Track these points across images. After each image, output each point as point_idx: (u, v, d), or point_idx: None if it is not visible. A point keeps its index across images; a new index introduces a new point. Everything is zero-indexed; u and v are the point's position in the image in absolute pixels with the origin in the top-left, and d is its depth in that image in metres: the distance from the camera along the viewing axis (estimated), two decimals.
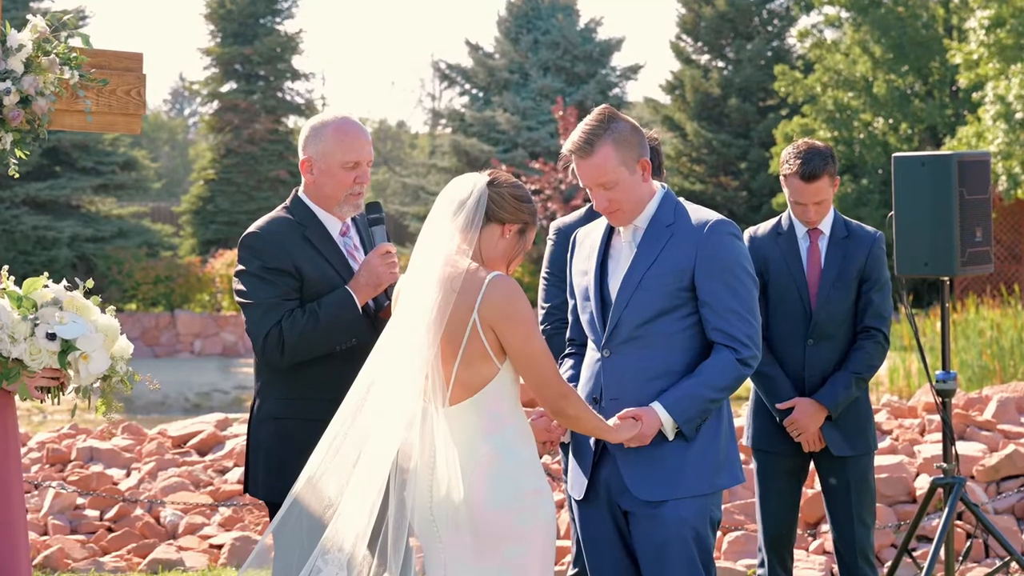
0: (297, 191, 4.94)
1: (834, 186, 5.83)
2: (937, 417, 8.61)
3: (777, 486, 5.97)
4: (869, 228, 5.95)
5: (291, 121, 33.30)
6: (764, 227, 6.02)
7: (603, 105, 4.57)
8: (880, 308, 5.86)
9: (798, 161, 5.74)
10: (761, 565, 6.05)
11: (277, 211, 4.91)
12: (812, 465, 6.06)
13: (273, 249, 4.76)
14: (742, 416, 9.19)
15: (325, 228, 4.87)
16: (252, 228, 4.85)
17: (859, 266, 5.84)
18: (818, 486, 6.90)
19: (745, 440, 6.08)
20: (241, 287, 4.81)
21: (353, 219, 4.98)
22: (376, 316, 4.79)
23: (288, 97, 33.16)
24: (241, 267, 4.82)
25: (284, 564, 4.25)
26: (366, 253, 4.93)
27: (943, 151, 7.33)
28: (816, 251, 5.89)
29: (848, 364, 5.83)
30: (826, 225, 5.90)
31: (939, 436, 8.50)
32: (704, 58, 33.31)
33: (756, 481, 6.05)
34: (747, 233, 5.96)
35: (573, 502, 4.73)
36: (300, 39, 33.10)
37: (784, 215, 6.02)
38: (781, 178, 5.88)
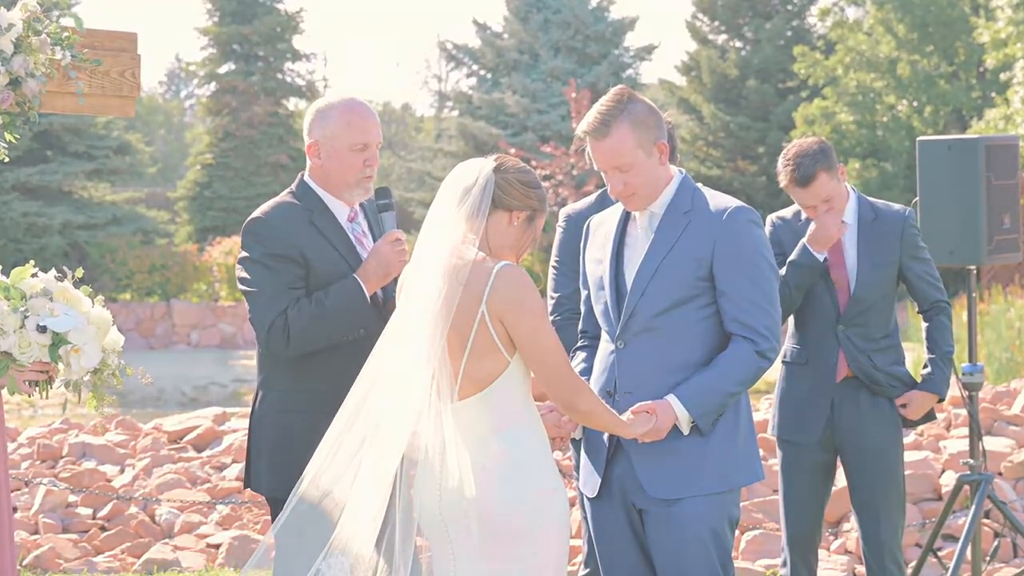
0: (303, 175, 4.88)
1: (840, 178, 5.76)
2: (963, 411, 8.52)
3: (803, 481, 5.91)
4: (896, 207, 5.90)
5: (291, 103, 33.57)
6: (786, 215, 5.99)
7: (619, 86, 4.53)
8: (935, 280, 5.89)
9: (788, 168, 5.74)
10: (784, 565, 6.01)
11: (282, 196, 4.86)
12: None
13: (278, 235, 4.70)
14: (760, 410, 9.12)
15: (332, 213, 4.81)
16: (256, 213, 4.79)
17: (895, 248, 5.80)
18: (840, 482, 6.79)
19: (770, 430, 6.01)
20: (245, 275, 4.74)
21: (361, 204, 4.91)
22: (385, 306, 4.73)
23: (288, 79, 33.20)
24: (245, 254, 4.75)
25: (286, 566, 4.18)
26: (375, 240, 4.87)
27: (969, 135, 7.45)
28: (838, 241, 5.80)
29: (939, 345, 5.89)
30: (850, 214, 5.83)
31: (965, 431, 8.38)
32: (721, 38, 33.30)
33: (780, 475, 5.99)
34: (768, 220, 5.91)
35: (585, 500, 4.68)
36: (301, 18, 33.11)
37: None
38: (784, 189, 5.88)
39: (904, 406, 5.83)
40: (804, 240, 5.73)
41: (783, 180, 5.76)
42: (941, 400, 5.89)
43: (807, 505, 5.91)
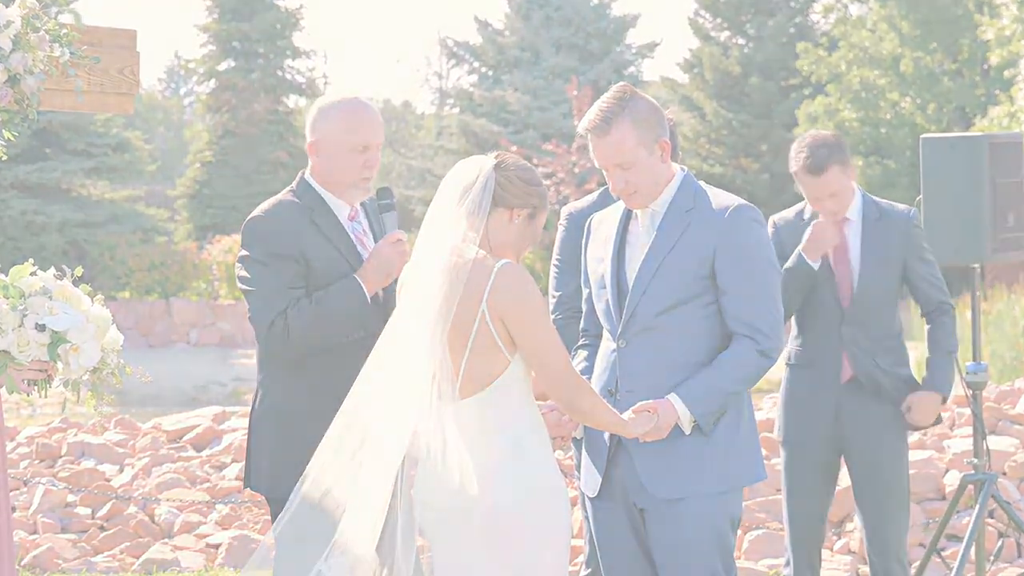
0: (304, 173, 4.87)
1: (850, 175, 5.77)
2: (967, 411, 8.45)
3: (806, 481, 5.89)
4: (901, 206, 5.93)
5: (291, 101, 33.82)
6: (787, 214, 6.00)
7: (621, 83, 4.54)
8: (939, 281, 5.89)
9: (803, 155, 5.72)
10: (787, 565, 6.00)
11: (283, 194, 4.85)
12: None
13: (278, 234, 4.69)
14: (763, 410, 9.08)
15: (333, 212, 4.79)
16: (256, 211, 4.78)
17: (899, 248, 5.81)
18: (843, 482, 6.72)
19: (775, 433, 6.02)
20: (244, 273, 4.73)
21: (362, 204, 4.89)
22: (385, 306, 4.70)
23: (288, 76, 33.26)
24: (244, 252, 4.74)
25: (286, 566, 4.19)
26: (375, 239, 4.86)
27: (973, 132, 7.93)
28: (842, 239, 5.81)
29: (941, 344, 5.88)
30: (854, 212, 5.83)
31: (969, 430, 8.39)
32: (724, 35, 33.32)
33: (783, 475, 5.99)
34: (770, 222, 5.89)
35: (586, 500, 4.68)
36: (301, 15, 33.14)
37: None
38: (793, 175, 5.85)
39: (909, 409, 5.79)
40: (799, 248, 5.74)
41: (794, 166, 5.74)
42: (945, 399, 5.87)
43: (810, 505, 5.89)
